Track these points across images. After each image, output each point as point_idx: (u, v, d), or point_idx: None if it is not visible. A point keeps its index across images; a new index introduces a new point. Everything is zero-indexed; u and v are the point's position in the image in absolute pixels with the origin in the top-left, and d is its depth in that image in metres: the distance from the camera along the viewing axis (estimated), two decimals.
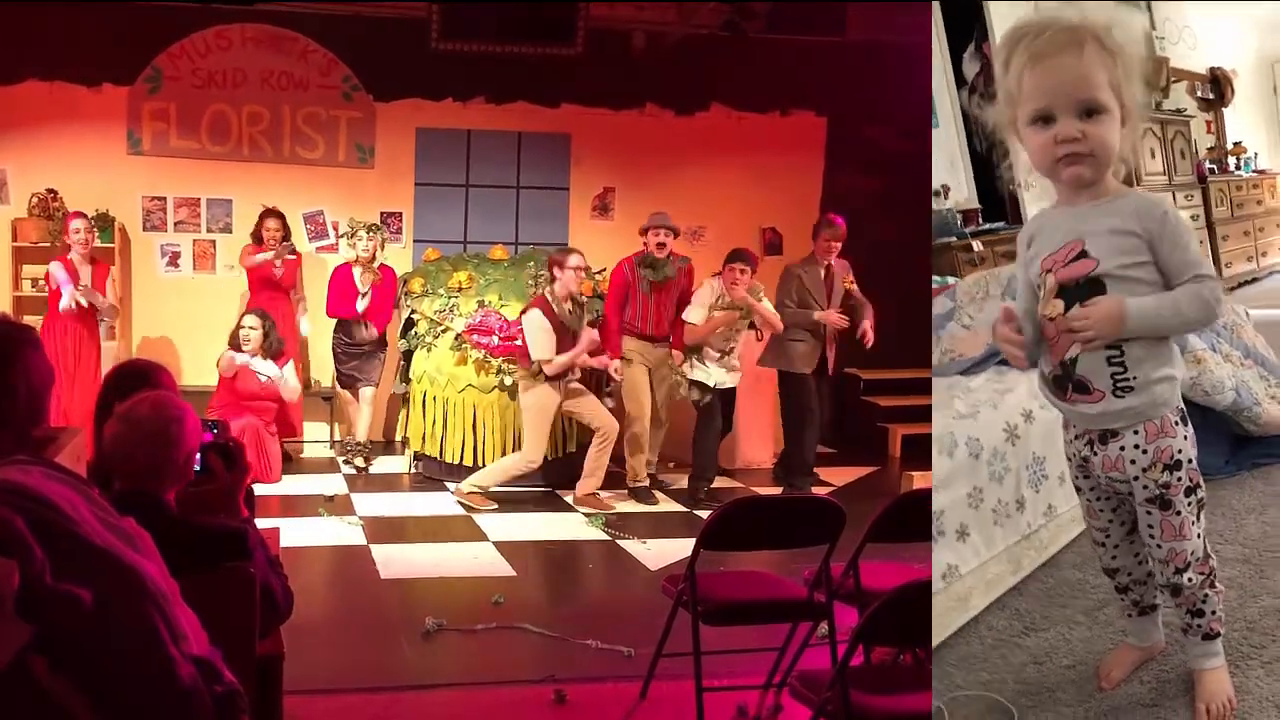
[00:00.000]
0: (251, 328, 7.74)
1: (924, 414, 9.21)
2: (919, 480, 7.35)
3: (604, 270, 8.06)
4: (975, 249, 7.61)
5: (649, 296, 7.56)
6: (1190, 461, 2.76)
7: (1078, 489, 2.98)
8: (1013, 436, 4.16)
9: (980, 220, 8.14)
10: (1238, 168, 9.97)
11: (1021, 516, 4.13)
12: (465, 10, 8.84)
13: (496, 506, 7.36)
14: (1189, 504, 2.76)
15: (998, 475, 4.05)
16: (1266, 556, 3.96)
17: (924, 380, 9.51)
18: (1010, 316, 2.72)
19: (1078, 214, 2.58)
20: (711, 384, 7.67)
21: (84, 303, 7.71)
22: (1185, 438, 2.74)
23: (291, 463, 8.36)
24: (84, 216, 8.08)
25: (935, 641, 3.65)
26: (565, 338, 7.29)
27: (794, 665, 4.15)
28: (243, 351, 7.72)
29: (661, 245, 7.50)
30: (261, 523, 3.37)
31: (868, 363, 8.72)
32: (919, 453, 8.89)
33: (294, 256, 8.47)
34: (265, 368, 7.77)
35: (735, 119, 9.84)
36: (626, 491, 7.63)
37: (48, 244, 8.46)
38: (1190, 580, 2.81)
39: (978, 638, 3.75)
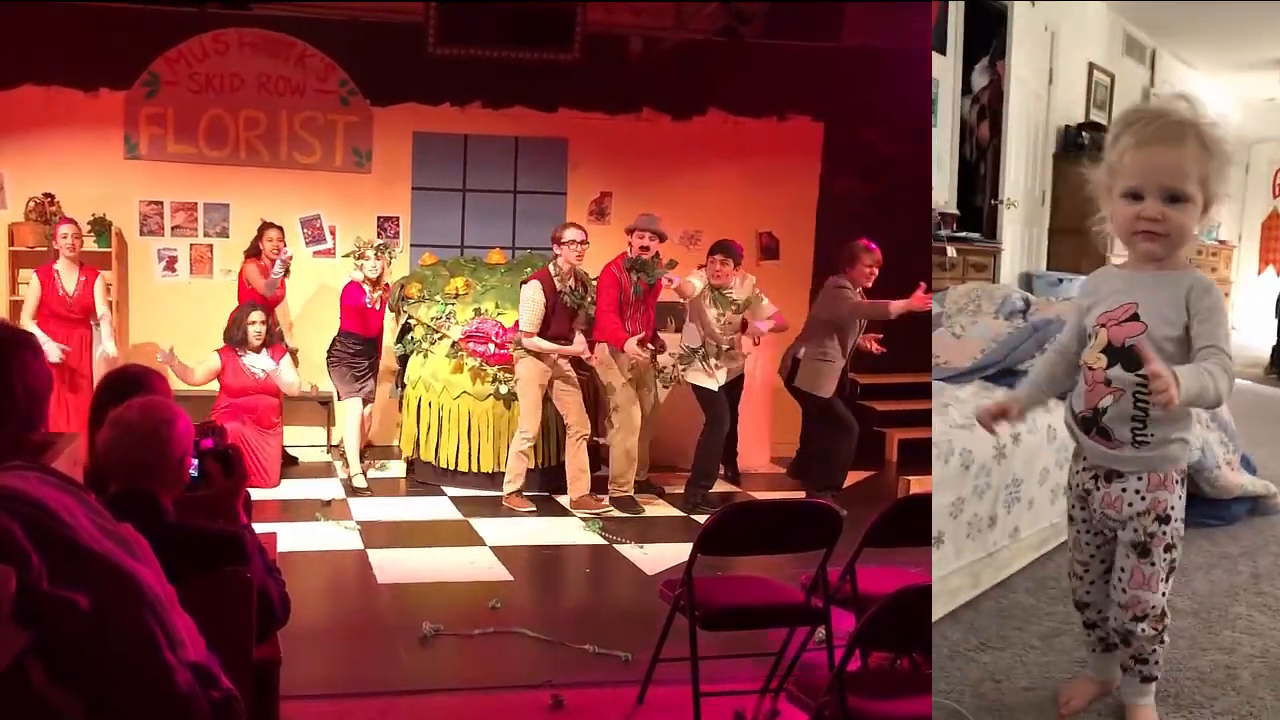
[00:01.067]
0: (261, 322, 7.77)
1: (921, 419, 9.25)
2: (916, 485, 7.35)
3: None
4: (949, 253, 7.62)
5: (639, 300, 7.50)
6: (1177, 521, 2.96)
7: (1071, 518, 3.14)
8: (1000, 455, 4.20)
9: (955, 227, 8.17)
10: (1201, 233, 10.09)
11: (990, 534, 4.19)
12: (462, 15, 8.83)
13: (534, 509, 7.43)
14: (1165, 560, 2.97)
15: (979, 490, 4.10)
16: (1214, 614, 4.13)
17: (921, 385, 9.53)
18: (1001, 413, 3.10)
19: (1138, 280, 2.86)
20: (715, 388, 7.67)
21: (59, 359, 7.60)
22: (1180, 498, 2.96)
23: (297, 465, 8.37)
24: (73, 223, 8.05)
25: None
26: (562, 314, 7.35)
27: (791, 670, 4.15)
28: (248, 345, 7.73)
29: (645, 248, 7.43)
30: (259, 527, 3.36)
31: (865, 367, 8.70)
32: (916, 457, 8.90)
33: (280, 276, 8.30)
34: (260, 361, 7.75)
35: (732, 123, 9.84)
36: (608, 500, 7.56)
37: (44, 248, 8.45)
38: (1143, 631, 3.00)
39: (934, 648, 3.76)
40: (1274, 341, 10.12)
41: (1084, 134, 8.53)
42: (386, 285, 8.11)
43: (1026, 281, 9.07)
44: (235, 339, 7.79)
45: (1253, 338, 10.95)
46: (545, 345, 7.34)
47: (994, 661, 3.70)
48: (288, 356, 7.93)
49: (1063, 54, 8.26)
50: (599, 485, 7.70)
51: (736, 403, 8.11)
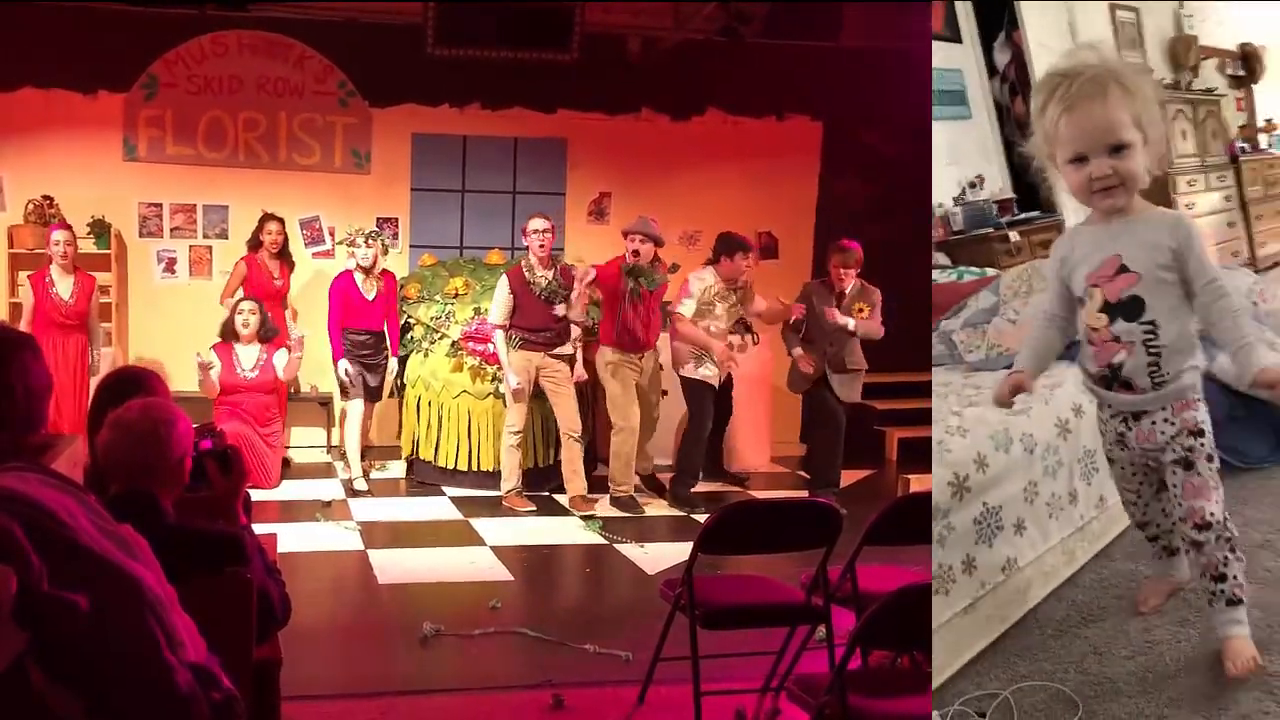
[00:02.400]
0: (251, 312, 7.71)
1: (921, 417, 9.24)
2: (916, 483, 7.35)
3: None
4: (1012, 239, 7.55)
5: (637, 304, 7.42)
6: (1209, 434, 3.08)
7: (1111, 460, 3.30)
8: (1064, 431, 4.20)
9: (1015, 210, 8.03)
10: (1270, 146, 9.88)
11: (1075, 509, 4.20)
12: (461, 16, 8.83)
13: (535, 508, 7.44)
14: (1209, 469, 3.08)
15: (1051, 469, 4.10)
16: None
17: (921, 384, 9.53)
18: (1016, 388, 3.24)
19: (1111, 232, 2.96)
20: (714, 382, 7.68)
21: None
22: (1205, 411, 3.09)
23: (289, 468, 8.36)
24: (68, 228, 8.01)
25: (997, 633, 3.72)
26: (535, 305, 7.35)
27: (792, 669, 4.15)
28: (239, 338, 7.67)
29: (635, 253, 7.33)
30: (259, 528, 3.36)
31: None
32: (916, 456, 8.90)
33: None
34: (249, 357, 7.68)
35: (731, 123, 9.84)
36: (609, 500, 7.56)
37: (43, 250, 8.44)
38: (1209, 540, 3.08)
39: (1038, 628, 3.80)
40: None
41: None
42: (387, 274, 8.02)
43: None
44: (227, 333, 7.73)
45: None
46: (500, 346, 7.39)
47: (1096, 635, 3.69)
48: (283, 351, 7.85)
49: (1079, 4, 8.02)
50: (599, 485, 7.71)
51: (730, 402, 8.10)
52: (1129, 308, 2.94)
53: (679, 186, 9.67)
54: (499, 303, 7.39)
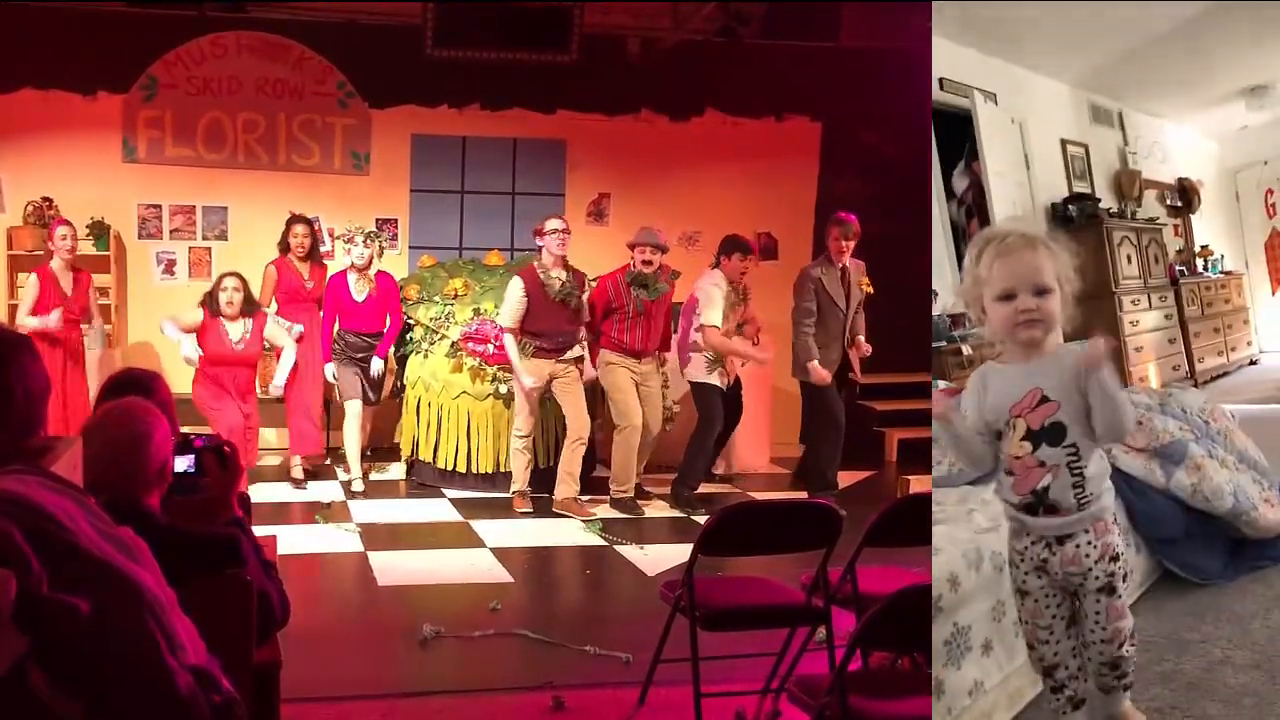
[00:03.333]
0: (235, 289, 7.44)
1: (920, 418, 9.25)
2: (916, 484, 7.35)
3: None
4: (965, 352, 7.75)
5: (640, 315, 7.45)
6: (1123, 554, 3.28)
7: (1025, 593, 3.33)
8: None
9: (967, 324, 8.26)
10: (1206, 269, 10.73)
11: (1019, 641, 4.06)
12: (460, 17, 8.83)
13: (530, 510, 7.42)
14: (1126, 588, 3.28)
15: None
16: (1278, 662, 3.97)
17: (920, 384, 9.54)
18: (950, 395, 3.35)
19: (1028, 370, 3.20)
20: (723, 386, 7.70)
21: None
22: (1118, 534, 3.28)
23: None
24: (69, 224, 7.95)
25: None
26: (552, 310, 7.29)
27: (792, 670, 4.15)
28: (222, 313, 7.46)
29: (648, 263, 7.41)
30: (258, 530, 3.36)
31: (864, 366, 8.71)
32: (916, 456, 8.90)
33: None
34: (236, 331, 7.50)
35: (730, 124, 9.85)
36: (609, 502, 7.56)
37: (42, 252, 8.44)
38: (1128, 653, 3.30)
39: None
40: None
41: (1070, 206, 8.83)
42: (383, 275, 7.94)
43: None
44: (212, 307, 7.51)
45: (1277, 359, 11.06)
46: (512, 349, 7.30)
47: None
48: (270, 319, 7.74)
49: (1034, 138, 8.70)
50: (599, 487, 7.70)
51: (739, 405, 8.10)
52: (1051, 434, 3.16)
53: (678, 187, 9.67)
54: (511, 305, 7.28)
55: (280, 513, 7.23)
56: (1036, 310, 3.14)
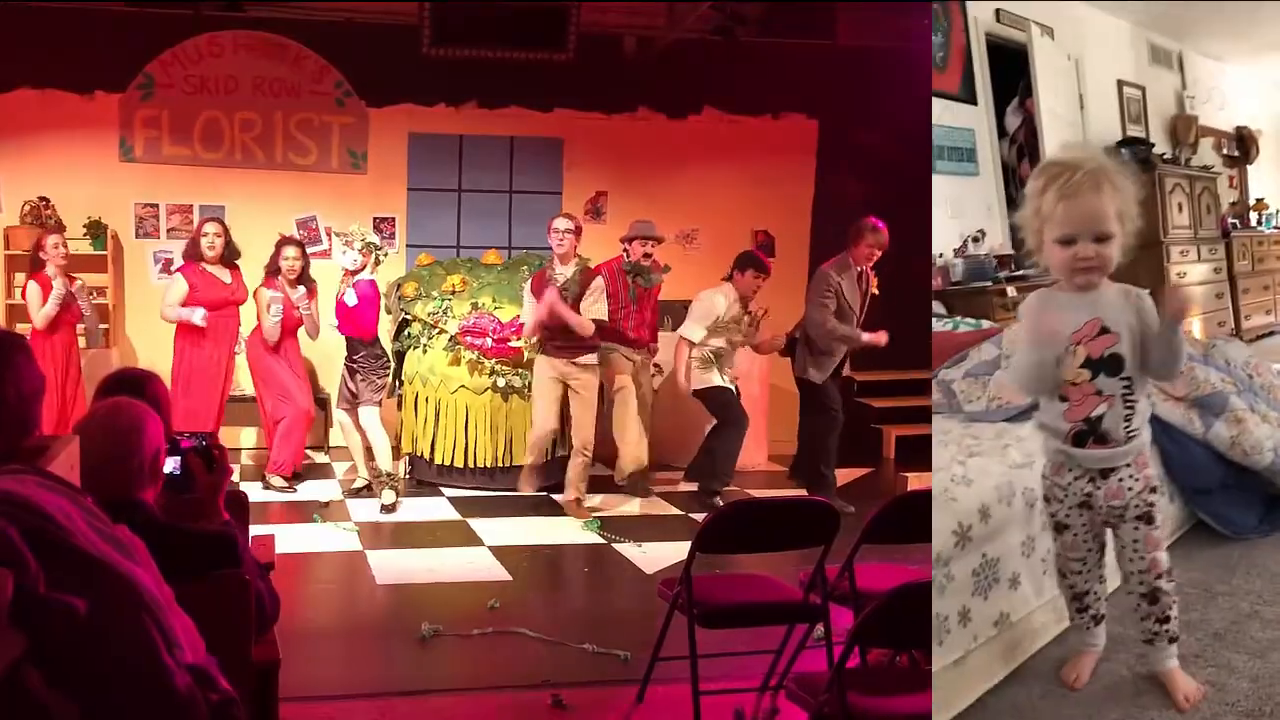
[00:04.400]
0: (216, 235, 7.53)
1: (918, 415, 9.25)
2: (914, 481, 7.35)
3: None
4: (1009, 294, 7.70)
5: (633, 304, 7.56)
6: (1160, 486, 3.43)
7: (1065, 526, 3.46)
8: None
9: (1013, 266, 8.22)
10: (1259, 223, 10.37)
11: (963, 630, 4.02)
12: (457, 16, 8.83)
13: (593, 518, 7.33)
14: (1160, 519, 3.41)
15: (1048, 526, 4.00)
16: None
17: (918, 381, 9.54)
18: None
19: (1088, 300, 3.25)
20: (733, 387, 7.76)
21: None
22: (1153, 469, 3.43)
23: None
24: (60, 234, 7.87)
25: (984, 689, 3.67)
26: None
27: (790, 668, 4.15)
28: (205, 256, 7.52)
29: (648, 255, 7.51)
30: (256, 529, 3.37)
31: (862, 364, 8.72)
32: (913, 454, 8.91)
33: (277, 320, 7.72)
34: (220, 272, 7.58)
35: (727, 122, 9.85)
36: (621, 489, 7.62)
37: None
38: (1166, 586, 3.40)
39: (1025, 688, 3.71)
40: None
41: (1123, 150, 8.53)
42: (369, 284, 7.54)
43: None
44: (194, 254, 7.54)
45: None
46: (529, 325, 7.34)
47: (1082, 696, 3.60)
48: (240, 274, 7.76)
49: (1090, 77, 8.36)
50: (601, 485, 7.70)
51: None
52: (1110, 364, 3.24)
53: (675, 185, 9.67)
54: (526, 311, 7.38)
55: (277, 512, 7.22)
56: (1095, 258, 3.18)
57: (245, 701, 1.81)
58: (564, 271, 7.28)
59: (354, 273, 7.53)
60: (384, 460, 7.50)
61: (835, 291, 7.42)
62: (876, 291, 7.69)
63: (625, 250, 7.64)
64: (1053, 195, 3.18)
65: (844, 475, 8.03)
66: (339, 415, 7.75)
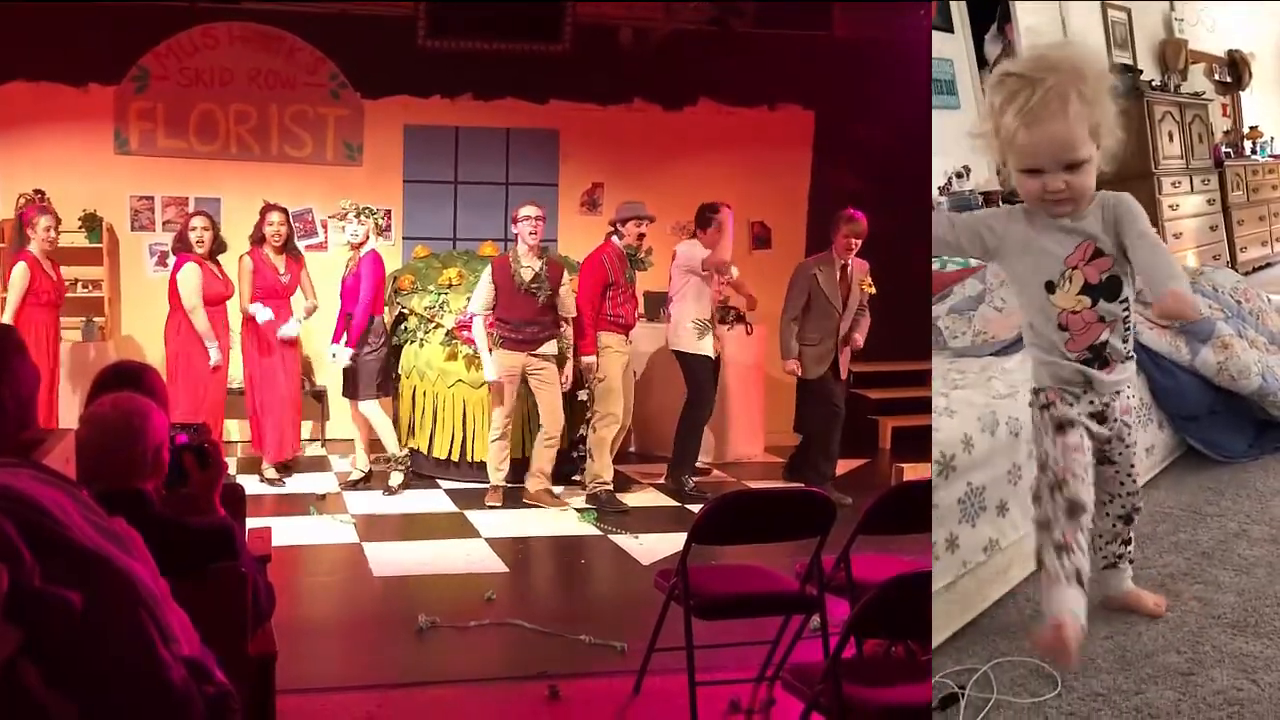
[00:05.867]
0: (204, 228, 7.37)
1: (914, 406, 9.26)
2: (910, 472, 7.36)
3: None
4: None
5: (628, 287, 7.49)
6: None
7: (1070, 422, 3.20)
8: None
9: (1000, 202, 8.12)
10: (1254, 152, 9.98)
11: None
12: (452, 7, 8.83)
13: (500, 504, 7.31)
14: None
15: (1033, 454, 4.08)
16: None
17: (914, 372, 9.55)
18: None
19: (1074, 222, 3.00)
20: (713, 355, 7.71)
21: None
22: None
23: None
24: (51, 213, 7.70)
25: (977, 611, 3.75)
26: (517, 297, 7.10)
27: (786, 658, 4.16)
28: (194, 252, 7.33)
29: (642, 236, 7.49)
30: (253, 522, 3.37)
31: (857, 356, 8.71)
32: (909, 445, 8.92)
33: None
34: (214, 267, 7.47)
35: (723, 113, 9.84)
36: (585, 497, 7.42)
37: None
38: (1140, 505, 3.41)
39: (1017, 609, 3.84)
40: None
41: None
42: (373, 255, 7.49)
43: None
44: (184, 247, 7.38)
45: None
46: (480, 337, 7.23)
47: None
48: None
49: (1072, 1, 8.04)
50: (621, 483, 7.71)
51: (716, 381, 8.07)
52: (1109, 288, 3.05)
53: (671, 176, 9.67)
54: (480, 291, 7.24)
55: (273, 504, 7.22)
56: (1066, 189, 2.89)
57: (242, 694, 1.81)
58: (531, 265, 7.15)
59: (358, 246, 7.49)
60: (390, 443, 7.55)
61: (810, 286, 7.39)
62: (871, 290, 7.59)
63: (618, 232, 7.50)
64: (1012, 117, 2.84)
65: (840, 466, 8.03)
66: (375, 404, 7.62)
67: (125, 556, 1.67)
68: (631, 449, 8.76)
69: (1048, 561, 3.18)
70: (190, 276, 7.33)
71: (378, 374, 7.55)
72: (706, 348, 7.66)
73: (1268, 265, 9.65)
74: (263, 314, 7.49)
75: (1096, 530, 3.34)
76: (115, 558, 1.64)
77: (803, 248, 9.87)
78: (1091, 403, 3.22)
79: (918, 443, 8.86)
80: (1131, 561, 3.48)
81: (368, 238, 7.53)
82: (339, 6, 9.01)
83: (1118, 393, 3.23)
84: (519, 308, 7.13)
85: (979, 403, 3.96)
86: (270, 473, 7.71)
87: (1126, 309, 3.11)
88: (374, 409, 7.57)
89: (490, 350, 7.24)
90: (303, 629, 4.90)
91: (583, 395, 7.57)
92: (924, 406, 9.17)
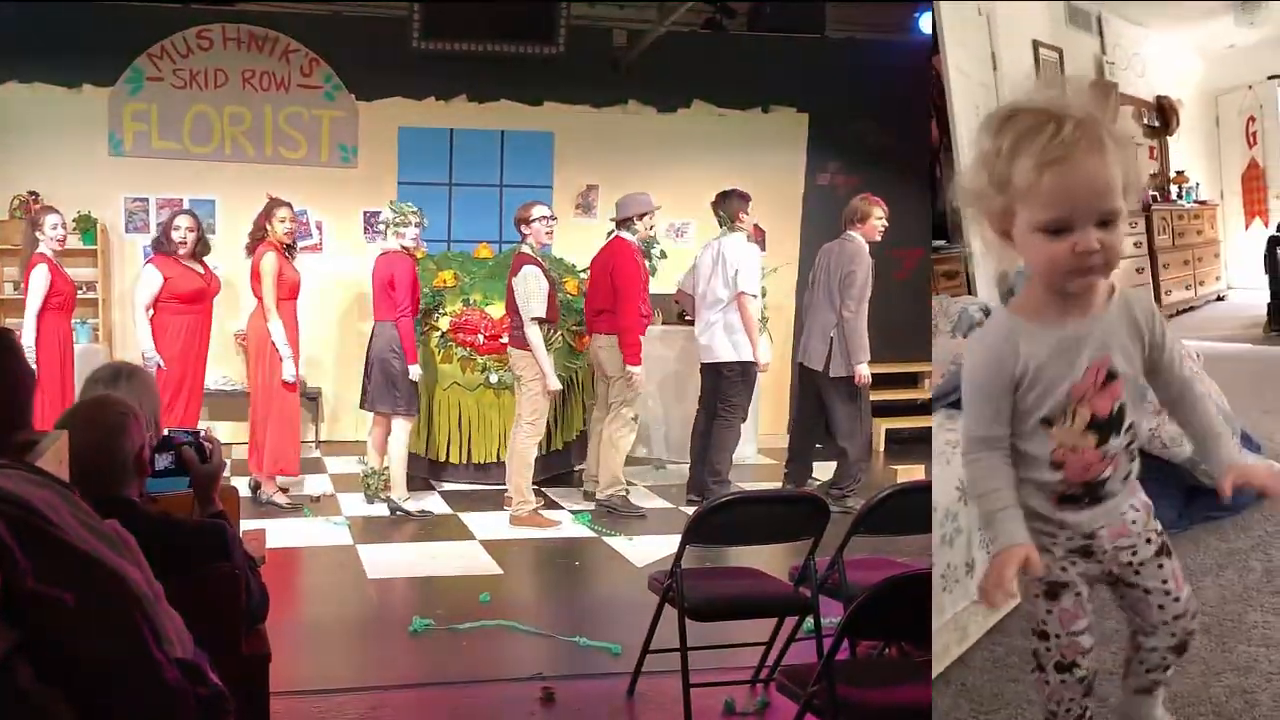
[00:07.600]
0: (189, 228, 7.17)
1: (908, 409, 9.26)
2: (904, 474, 7.36)
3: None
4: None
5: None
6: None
7: (1062, 585, 2.53)
8: (965, 496, 3.61)
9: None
10: (1179, 197, 10.15)
11: (970, 581, 3.76)
12: (446, 9, 8.82)
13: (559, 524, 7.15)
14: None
15: (948, 538, 3.73)
16: (1227, 625, 3.62)
17: (908, 375, 9.55)
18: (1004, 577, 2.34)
19: (1080, 331, 2.33)
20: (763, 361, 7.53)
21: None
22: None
23: None
24: (59, 213, 7.51)
25: (991, 624, 3.62)
26: (551, 298, 6.95)
27: (781, 660, 4.17)
28: (178, 251, 7.14)
29: (651, 227, 7.30)
30: (247, 524, 3.37)
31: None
32: (903, 447, 8.93)
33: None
34: (194, 264, 7.27)
35: (717, 115, 9.85)
36: (595, 505, 7.30)
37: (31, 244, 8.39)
38: (1193, 629, 2.63)
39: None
40: (1269, 299, 9.11)
41: None
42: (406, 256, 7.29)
43: (1004, 280, 8.82)
44: (165, 247, 7.18)
45: (1247, 296, 10.23)
46: (539, 344, 6.84)
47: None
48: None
49: (1003, 35, 7.89)
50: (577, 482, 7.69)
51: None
52: (1119, 420, 2.40)
53: (666, 179, 9.64)
54: (539, 294, 6.81)
55: (267, 507, 7.20)
56: (1100, 251, 2.17)
57: (236, 696, 1.81)
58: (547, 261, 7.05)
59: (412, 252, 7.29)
60: (399, 489, 7.22)
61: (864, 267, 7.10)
62: None
63: (631, 227, 7.18)
64: (1029, 161, 2.15)
65: (833, 468, 8.03)
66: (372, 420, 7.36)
67: (118, 558, 1.67)
68: None
69: None
70: (148, 282, 7.12)
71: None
72: (744, 352, 7.33)
73: (1191, 308, 9.86)
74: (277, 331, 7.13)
75: (1138, 658, 2.69)
76: (108, 559, 1.64)
77: (797, 250, 9.89)
78: (1070, 539, 2.51)
79: (911, 445, 8.88)
80: (1169, 686, 2.78)
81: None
82: (333, 8, 9.02)
83: (1102, 526, 2.51)
84: (551, 308, 7.00)
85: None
86: (280, 499, 7.26)
87: (1132, 436, 2.45)
88: (406, 432, 7.26)
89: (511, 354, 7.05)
90: (297, 630, 4.90)
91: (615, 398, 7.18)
92: (918, 409, 9.17)
